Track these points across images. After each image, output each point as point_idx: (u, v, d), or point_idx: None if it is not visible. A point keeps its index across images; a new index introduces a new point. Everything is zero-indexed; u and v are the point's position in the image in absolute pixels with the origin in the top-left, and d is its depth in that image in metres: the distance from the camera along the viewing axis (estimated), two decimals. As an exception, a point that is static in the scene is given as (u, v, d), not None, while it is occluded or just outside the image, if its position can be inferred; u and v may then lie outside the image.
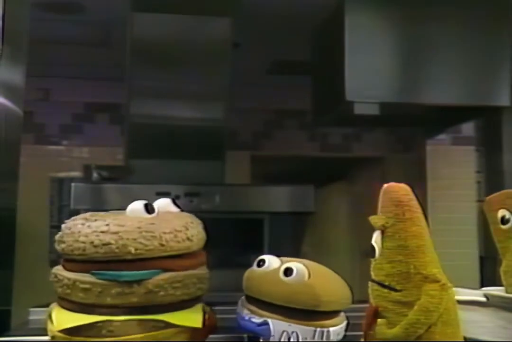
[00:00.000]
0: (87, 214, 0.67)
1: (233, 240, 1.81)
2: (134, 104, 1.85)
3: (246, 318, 0.70)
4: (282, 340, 0.68)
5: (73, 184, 1.71)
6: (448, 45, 1.63)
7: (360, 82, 1.59)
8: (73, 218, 0.67)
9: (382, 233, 0.60)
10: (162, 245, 0.62)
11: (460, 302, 0.65)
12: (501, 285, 0.74)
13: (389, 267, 0.59)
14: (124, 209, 0.69)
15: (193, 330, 0.64)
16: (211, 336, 0.69)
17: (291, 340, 0.68)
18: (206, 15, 1.78)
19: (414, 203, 0.60)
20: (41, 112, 2.61)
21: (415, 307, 0.57)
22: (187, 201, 1.69)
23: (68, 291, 0.63)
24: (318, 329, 0.69)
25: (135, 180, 1.85)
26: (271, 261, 0.72)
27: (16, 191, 1.05)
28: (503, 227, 0.74)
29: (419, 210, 0.60)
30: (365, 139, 2.86)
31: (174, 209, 0.70)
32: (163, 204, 0.70)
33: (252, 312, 0.71)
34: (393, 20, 1.64)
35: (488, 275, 2.15)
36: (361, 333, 0.62)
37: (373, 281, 0.61)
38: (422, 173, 2.58)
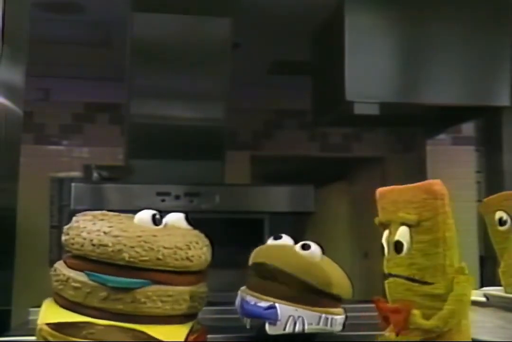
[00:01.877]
0: (99, 213, 0.67)
1: (233, 240, 1.81)
2: (134, 104, 1.85)
3: (252, 303, 0.71)
4: (288, 325, 0.69)
5: (73, 184, 1.71)
6: (448, 45, 1.63)
7: (360, 82, 1.59)
8: (85, 212, 0.68)
9: (409, 228, 0.60)
10: (159, 259, 0.62)
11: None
12: (501, 285, 0.75)
13: (424, 260, 0.59)
14: (122, 209, 0.69)
15: None
16: (211, 336, 0.69)
17: (297, 325, 0.69)
18: (206, 15, 1.78)
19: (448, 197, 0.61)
20: (41, 112, 2.61)
21: (451, 298, 0.58)
22: (187, 201, 1.69)
23: (61, 286, 0.63)
24: (323, 315, 0.71)
25: (135, 180, 1.85)
26: (288, 239, 0.76)
27: (16, 191, 1.05)
28: (500, 228, 0.74)
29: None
30: (365, 139, 2.86)
31: (185, 225, 0.69)
32: (174, 219, 0.69)
33: (256, 297, 0.71)
34: (393, 20, 1.64)
35: (488, 275, 2.15)
36: (363, 333, 0.63)
37: (397, 275, 0.61)
38: (422, 173, 2.58)
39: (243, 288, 0.76)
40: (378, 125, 2.28)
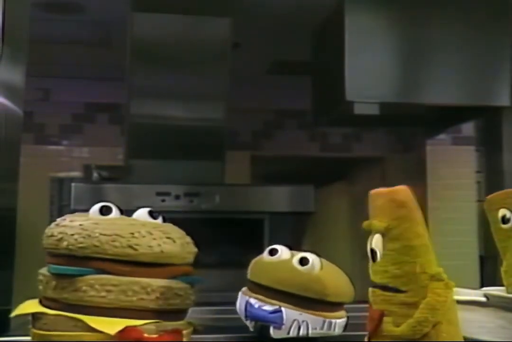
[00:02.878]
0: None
1: (233, 240, 1.81)
2: (134, 104, 1.85)
3: (256, 306, 0.71)
4: (292, 329, 0.69)
5: (73, 184, 1.71)
6: (448, 45, 1.63)
7: (360, 82, 1.59)
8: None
9: (382, 236, 0.60)
10: (96, 246, 0.62)
11: (460, 302, 0.65)
12: (501, 285, 0.74)
13: (394, 268, 0.59)
14: (125, 209, 0.69)
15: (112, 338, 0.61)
16: (211, 336, 0.69)
17: (301, 329, 0.69)
18: (206, 15, 1.78)
19: (415, 203, 0.60)
20: (41, 112, 2.61)
21: (422, 305, 0.57)
22: (187, 201, 1.69)
23: (38, 282, 0.66)
24: (327, 320, 0.71)
25: (135, 180, 1.85)
26: (283, 251, 0.74)
27: (16, 191, 1.05)
28: (503, 226, 0.74)
29: (420, 210, 0.61)
30: (365, 139, 2.86)
31: (150, 219, 0.68)
32: (139, 214, 0.69)
33: (261, 300, 0.71)
34: (393, 20, 1.64)
35: (488, 275, 2.15)
36: (362, 333, 0.63)
37: (375, 286, 0.62)
38: (422, 173, 2.58)
39: (244, 289, 0.75)
40: (378, 125, 2.27)
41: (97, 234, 0.62)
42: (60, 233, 0.64)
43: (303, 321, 0.69)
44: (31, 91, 2.39)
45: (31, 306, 0.65)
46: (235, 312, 0.75)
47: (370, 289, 0.63)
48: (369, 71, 1.60)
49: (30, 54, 1.10)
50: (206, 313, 0.70)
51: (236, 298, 0.75)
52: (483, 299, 0.72)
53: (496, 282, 0.77)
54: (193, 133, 1.85)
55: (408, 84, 1.66)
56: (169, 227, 0.68)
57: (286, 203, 1.81)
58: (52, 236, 0.64)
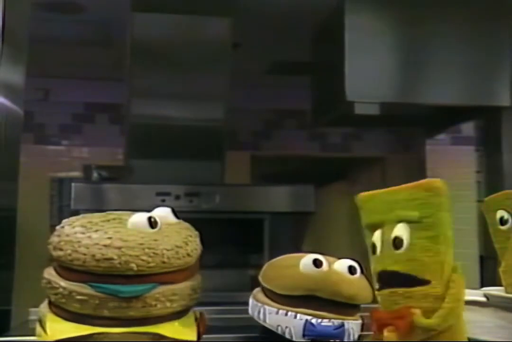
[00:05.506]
0: (85, 220, 0.65)
1: (233, 240, 1.81)
2: (134, 104, 1.85)
3: (314, 322, 0.68)
4: (347, 337, 0.69)
5: (73, 184, 1.71)
6: (448, 45, 1.63)
7: (360, 82, 1.59)
8: (69, 221, 0.65)
9: (409, 225, 0.60)
10: (164, 262, 0.62)
11: (460, 302, 0.65)
12: (501, 285, 0.74)
13: (423, 256, 0.59)
14: (122, 209, 0.68)
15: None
16: (211, 336, 0.69)
17: (351, 337, 0.69)
18: (206, 15, 1.78)
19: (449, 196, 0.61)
20: (41, 112, 2.61)
21: (449, 297, 0.58)
22: (187, 201, 1.69)
23: (63, 300, 0.62)
24: (360, 321, 0.72)
25: (135, 180, 1.85)
26: (324, 261, 0.73)
27: (16, 191, 1.05)
28: (501, 227, 0.74)
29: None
30: (365, 139, 2.86)
31: (173, 219, 0.69)
32: (162, 214, 0.68)
33: (317, 316, 0.68)
34: (393, 20, 1.64)
35: (488, 275, 2.15)
36: (368, 333, 0.63)
37: (390, 284, 0.61)
38: (422, 173, 2.58)
39: (262, 297, 0.72)
40: (378, 125, 2.27)
41: (163, 251, 0.62)
42: (122, 255, 0.60)
43: (352, 328, 0.70)
44: (31, 91, 2.39)
45: (71, 328, 0.61)
46: (235, 312, 0.75)
47: (387, 291, 0.62)
48: (369, 71, 1.60)
49: (30, 54, 1.10)
50: (206, 313, 0.70)
51: (235, 298, 0.75)
52: (483, 299, 0.72)
53: (496, 282, 0.77)
54: (193, 133, 1.85)
55: (408, 84, 1.66)
56: (188, 224, 0.70)
57: (286, 203, 1.81)
58: (110, 259, 0.60)
